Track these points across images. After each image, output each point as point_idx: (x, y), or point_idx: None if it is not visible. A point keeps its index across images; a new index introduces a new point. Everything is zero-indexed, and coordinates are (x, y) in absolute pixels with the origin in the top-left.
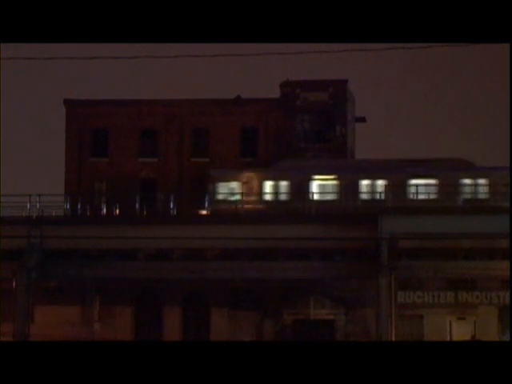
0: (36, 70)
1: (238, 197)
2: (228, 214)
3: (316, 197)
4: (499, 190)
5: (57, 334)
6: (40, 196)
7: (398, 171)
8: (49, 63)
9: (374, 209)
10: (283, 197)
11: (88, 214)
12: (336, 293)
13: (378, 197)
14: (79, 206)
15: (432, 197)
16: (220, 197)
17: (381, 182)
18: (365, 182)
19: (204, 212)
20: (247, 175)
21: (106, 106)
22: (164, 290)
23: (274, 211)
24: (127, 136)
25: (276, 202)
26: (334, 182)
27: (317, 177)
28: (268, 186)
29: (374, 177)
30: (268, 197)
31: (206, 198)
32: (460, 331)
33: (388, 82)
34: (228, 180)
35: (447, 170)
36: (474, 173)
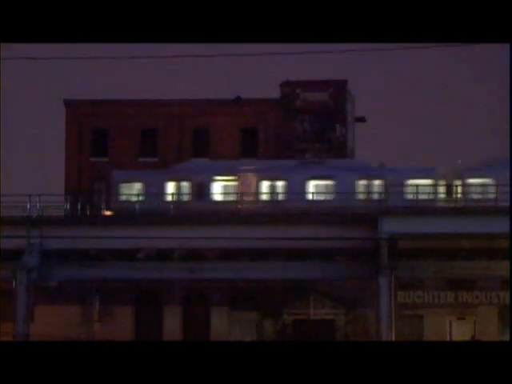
0: (36, 70)
1: (140, 197)
2: (131, 215)
3: (218, 198)
4: (394, 190)
5: (57, 333)
6: (40, 196)
7: (297, 173)
8: (49, 63)
9: (274, 210)
10: (185, 197)
11: (88, 213)
12: (336, 293)
13: (278, 198)
14: (79, 206)
15: (329, 197)
16: (123, 197)
17: (280, 183)
18: (265, 183)
19: (107, 213)
20: (149, 176)
21: (106, 106)
22: (164, 289)
23: (176, 212)
24: (127, 136)
25: (178, 202)
26: (235, 183)
27: (218, 178)
28: (170, 186)
29: (273, 178)
30: (170, 197)
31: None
32: (460, 331)
33: (388, 82)
34: (130, 181)
35: (344, 171)
36: (370, 174)
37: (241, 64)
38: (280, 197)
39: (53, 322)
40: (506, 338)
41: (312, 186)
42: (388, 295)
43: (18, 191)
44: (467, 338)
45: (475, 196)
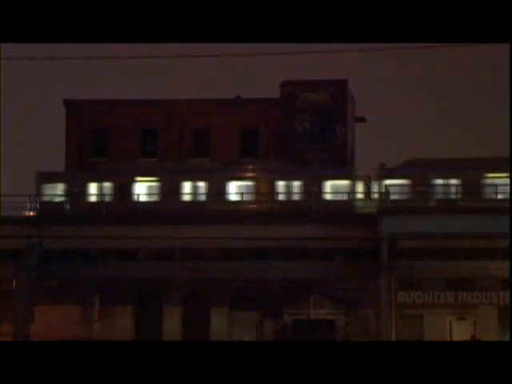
0: (36, 70)
1: (63, 198)
2: (56, 215)
3: (141, 198)
4: (312, 191)
5: (57, 334)
6: (40, 196)
7: (218, 173)
8: (49, 63)
9: (196, 209)
10: (108, 198)
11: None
12: (336, 293)
13: (199, 198)
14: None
15: (249, 198)
16: (46, 198)
17: (202, 184)
18: (187, 184)
19: (30, 213)
20: (72, 177)
21: (106, 106)
22: (164, 289)
23: (98, 212)
24: (127, 136)
25: (101, 203)
26: (157, 184)
27: (140, 178)
28: (92, 187)
29: (195, 178)
30: (93, 198)
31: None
32: (460, 331)
33: (388, 82)
34: (53, 182)
35: (264, 172)
36: (288, 175)
37: (241, 64)
38: (201, 197)
39: (53, 322)
40: (506, 338)
41: (232, 186)
42: (388, 295)
43: (18, 191)
44: (467, 338)
45: (393, 196)
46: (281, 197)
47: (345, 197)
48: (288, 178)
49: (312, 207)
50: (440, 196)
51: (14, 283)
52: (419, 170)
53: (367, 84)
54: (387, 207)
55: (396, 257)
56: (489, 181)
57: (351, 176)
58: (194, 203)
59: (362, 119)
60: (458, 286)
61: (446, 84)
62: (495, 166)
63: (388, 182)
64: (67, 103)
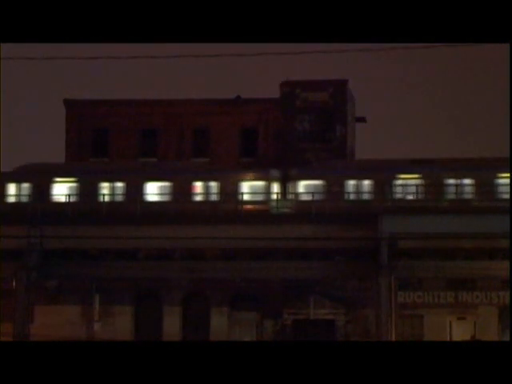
0: (36, 70)
1: None
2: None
3: (61, 199)
4: (230, 191)
5: (57, 334)
6: (40, 196)
7: (134, 173)
8: (49, 63)
9: (114, 209)
10: (24, 199)
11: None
12: (336, 293)
13: (118, 198)
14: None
15: (167, 199)
16: None
17: (120, 184)
18: (104, 184)
19: None
20: None
21: (106, 106)
22: (164, 289)
23: (14, 214)
24: (127, 136)
25: (18, 204)
26: (75, 184)
27: (59, 179)
28: (11, 187)
29: (112, 179)
30: (12, 199)
31: None
32: (460, 331)
33: (388, 82)
34: None
35: (182, 172)
36: (206, 175)
37: (241, 64)
38: (119, 198)
39: (53, 322)
40: (506, 338)
41: (150, 187)
42: (388, 295)
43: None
44: (467, 338)
45: (306, 197)
46: (198, 197)
47: (260, 197)
48: (205, 178)
49: (312, 207)
50: (353, 197)
51: (13, 283)
52: (334, 172)
53: (367, 84)
54: (387, 207)
55: (396, 257)
56: (400, 182)
57: (267, 177)
58: (113, 204)
59: (362, 119)
60: (458, 286)
61: (446, 84)
62: (406, 167)
63: (304, 182)
64: (67, 103)
